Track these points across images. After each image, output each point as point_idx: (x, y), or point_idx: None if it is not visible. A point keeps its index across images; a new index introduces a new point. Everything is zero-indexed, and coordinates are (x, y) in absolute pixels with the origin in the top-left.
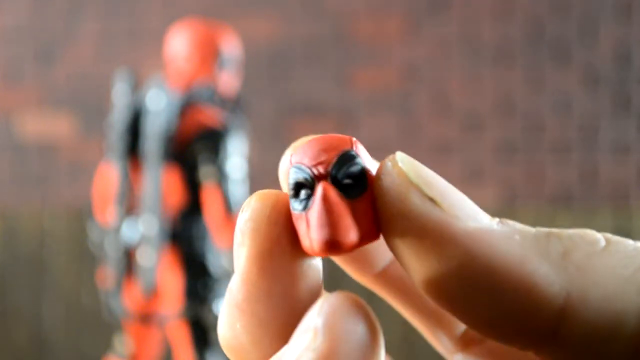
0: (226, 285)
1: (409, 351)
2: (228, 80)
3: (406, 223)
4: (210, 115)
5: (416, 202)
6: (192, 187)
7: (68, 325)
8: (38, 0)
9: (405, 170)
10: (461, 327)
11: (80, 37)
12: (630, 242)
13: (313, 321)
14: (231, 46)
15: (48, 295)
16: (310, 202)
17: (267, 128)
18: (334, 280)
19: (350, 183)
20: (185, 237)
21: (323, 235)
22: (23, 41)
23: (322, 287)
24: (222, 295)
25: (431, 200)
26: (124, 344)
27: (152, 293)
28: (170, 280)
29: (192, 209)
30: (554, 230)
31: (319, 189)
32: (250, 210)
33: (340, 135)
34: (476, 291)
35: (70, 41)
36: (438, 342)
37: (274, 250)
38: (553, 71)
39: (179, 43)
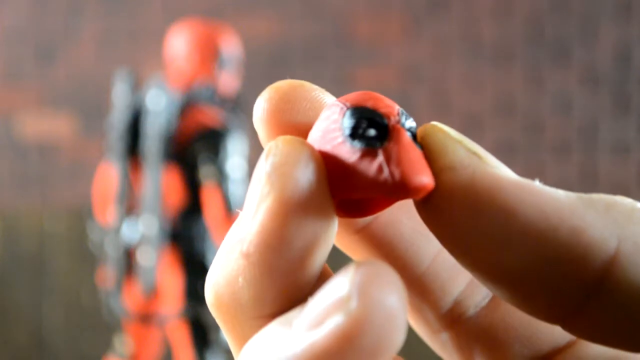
0: None
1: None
2: (228, 80)
3: (455, 174)
4: (210, 115)
5: (463, 154)
6: (192, 187)
7: (68, 325)
8: (38, 0)
9: (447, 130)
10: (448, 302)
11: (80, 37)
12: None
13: (347, 284)
14: (231, 46)
15: (48, 295)
16: (387, 142)
17: None
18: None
19: (412, 135)
20: (185, 237)
21: (419, 175)
22: (23, 41)
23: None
24: None
25: (475, 154)
26: (124, 344)
27: (152, 293)
28: (170, 280)
29: (192, 209)
30: (595, 195)
31: (402, 132)
32: (280, 155)
33: (388, 100)
34: (523, 246)
35: (70, 41)
36: (422, 318)
37: (303, 199)
38: (553, 71)
39: (179, 43)
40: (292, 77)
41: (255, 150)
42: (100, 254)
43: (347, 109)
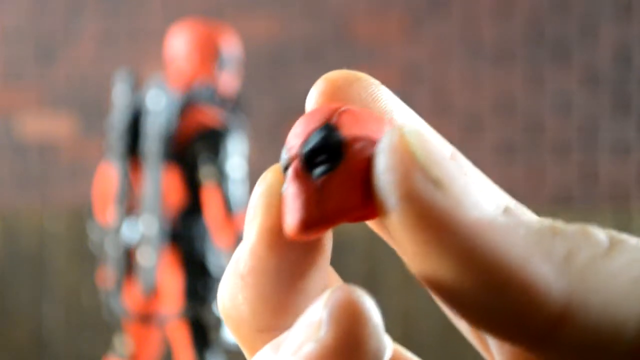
0: None
1: (409, 332)
2: (228, 80)
3: (404, 205)
4: (210, 115)
5: (418, 183)
6: (192, 187)
7: (68, 325)
8: (38, 0)
9: (411, 146)
10: None
11: (80, 37)
12: (632, 241)
13: (319, 312)
14: (231, 46)
15: (48, 295)
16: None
17: (267, 128)
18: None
19: (324, 159)
20: (185, 237)
21: (290, 219)
22: (23, 41)
23: (331, 270)
24: None
25: (435, 182)
26: (124, 344)
27: (152, 293)
28: (170, 280)
29: (192, 209)
30: (558, 225)
31: (289, 170)
32: (265, 185)
33: (328, 106)
34: (473, 286)
35: (70, 41)
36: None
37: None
38: (553, 71)
39: (179, 43)
40: (292, 77)
41: (255, 151)
42: (100, 254)
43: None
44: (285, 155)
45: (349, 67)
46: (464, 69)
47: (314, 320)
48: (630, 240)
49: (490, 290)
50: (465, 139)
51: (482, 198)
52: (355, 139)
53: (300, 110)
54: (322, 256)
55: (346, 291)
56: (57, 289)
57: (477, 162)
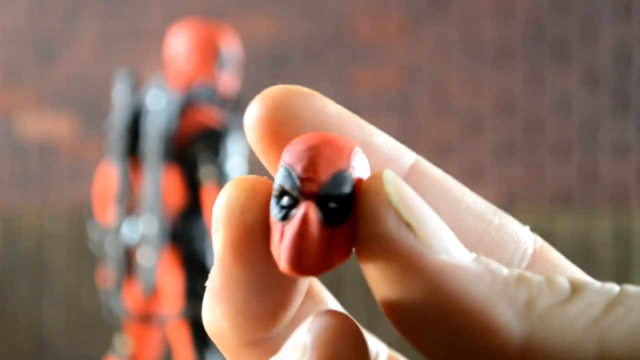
0: None
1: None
2: (228, 80)
3: (377, 245)
4: (210, 115)
5: (391, 225)
6: (192, 187)
7: (68, 325)
8: (38, 0)
9: (387, 191)
10: None
11: (80, 37)
12: (596, 285)
13: (302, 338)
14: (231, 46)
15: (48, 295)
16: (291, 216)
17: None
18: (332, 280)
19: (336, 207)
20: (185, 237)
21: (290, 257)
22: (23, 41)
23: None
24: None
25: (407, 225)
26: (124, 344)
27: (152, 293)
28: (170, 280)
29: (192, 209)
30: (525, 274)
31: (302, 209)
32: (225, 198)
33: (340, 144)
34: (436, 327)
35: (70, 41)
36: None
37: (248, 240)
38: (553, 71)
39: (179, 43)
40: (292, 77)
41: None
42: (100, 254)
43: (281, 165)
44: (289, 183)
45: (349, 67)
46: (464, 69)
47: (298, 345)
48: (594, 284)
49: (453, 331)
50: (465, 139)
51: (452, 245)
52: (357, 188)
53: None
54: None
55: (330, 316)
56: (57, 289)
57: (477, 162)
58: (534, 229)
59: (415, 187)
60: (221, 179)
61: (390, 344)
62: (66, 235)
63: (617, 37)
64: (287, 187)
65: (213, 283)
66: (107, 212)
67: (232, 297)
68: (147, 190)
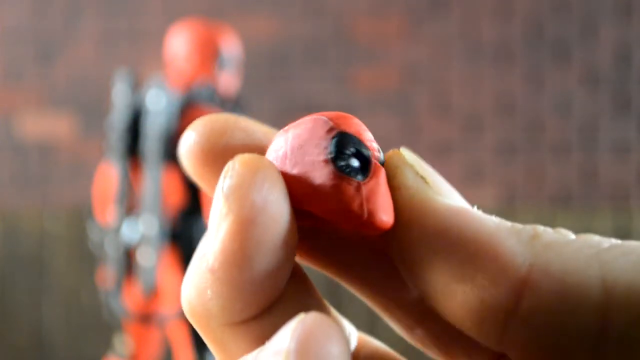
0: None
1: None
2: (228, 80)
3: (398, 194)
4: None
5: (409, 176)
6: (192, 187)
7: (68, 325)
8: (38, 0)
9: (404, 154)
10: (415, 298)
11: (80, 37)
12: (596, 237)
13: (285, 343)
14: (231, 46)
15: (48, 295)
16: (367, 178)
17: None
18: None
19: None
20: (185, 237)
21: (385, 215)
22: (23, 41)
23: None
24: None
25: (422, 178)
26: (124, 344)
27: (152, 293)
28: (170, 280)
29: (192, 209)
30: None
31: (383, 174)
32: (235, 176)
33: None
34: (446, 260)
35: (70, 41)
36: (393, 316)
37: (260, 220)
38: (553, 71)
39: (179, 43)
40: (292, 77)
41: None
42: (100, 254)
43: (337, 131)
44: (359, 146)
45: (349, 67)
46: (464, 69)
47: (281, 350)
48: (595, 236)
49: (463, 260)
50: (465, 139)
51: (461, 200)
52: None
53: (300, 110)
54: (293, 247)
55: (314, 321)
56: (57, 289)
57: (477, 162)
58: None
59: None
60: None
61: (391, 344)
62: (66, 235)
63: (617, 37)
64: (364, 152)
65: (208, 263)
66: (107, 212)
67: (232, 277)
68: (147, 190)
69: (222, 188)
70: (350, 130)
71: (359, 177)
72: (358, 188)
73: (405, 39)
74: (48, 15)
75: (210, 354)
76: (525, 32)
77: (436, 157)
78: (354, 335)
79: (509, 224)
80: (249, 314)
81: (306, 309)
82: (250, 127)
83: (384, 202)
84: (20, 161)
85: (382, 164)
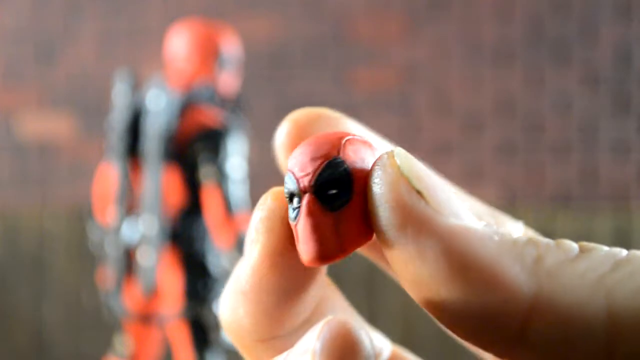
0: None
1: (408, 334)
2: (228, 80)
3: (390, 213)
4: (210, 115)
5: (403, 192)
6: (192, 187)
7: (68, 325)
8: (38, 0)
9: (398, 163)
10: None
11: (80, 37)
12: (604, 248)
13: (312, 344)
14: (231, 46)
15: (48, 295)
16: (298, 215)
17: (267, 128)
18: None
19: (336, 193)
20: (185, 237)
21: (308, 250)
22: (23, 41)
23: (326, 279)
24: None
25: (418, 193)
26: (124, 344)
27: (152, 293)
28: (170, 280)
29: (192, 209)
30: (534, 236)
31: (303, 203)
32: (266, 210)
33: (331, 136)
34: (447, 286)
35: (70, 41)
36: None
37: (286, 249)
38: (553, 71)
39: (179, 43)
40: (292, 77)
41: (255, 151)
42: (100, 254)
43: (286, 172)
44: (292, 185)
45: (349, 67)
46: (464, 69)
47: (308, 349)
48: (602, 247)
49: (464, 289)
50: (465, 139)
51: (462, 211)
52: (359, 171)
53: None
54: (319, 271)
55: (338, 324)
56: (57, 289)
57: (477, 162)
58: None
59: None
60: (221, 179)
61: (427, 357)
62: (66, 235)
63: (617, 37)
64: (292, 189)
65: (242, 284)
66: (107, 212)
67: (261, 299)
68: (147, 190)
69: (255, 217)
70: (290, 164)
71: (293, 217)
72: (295, 230)
73: (405, 39)
74: (48, 15)
75: (210, 354)
76: (525, 33)
77: (436, 157)
78: (388, 348)
79: (510, 242)
80: (279, 332)
81: None
82: (342, 121)
83: (317, 237)
84: (20, 161)
85: (343, 172)
